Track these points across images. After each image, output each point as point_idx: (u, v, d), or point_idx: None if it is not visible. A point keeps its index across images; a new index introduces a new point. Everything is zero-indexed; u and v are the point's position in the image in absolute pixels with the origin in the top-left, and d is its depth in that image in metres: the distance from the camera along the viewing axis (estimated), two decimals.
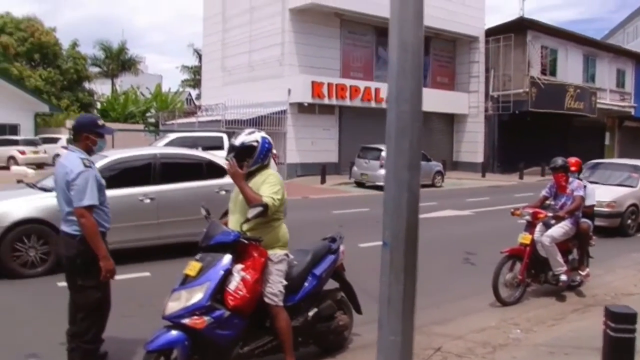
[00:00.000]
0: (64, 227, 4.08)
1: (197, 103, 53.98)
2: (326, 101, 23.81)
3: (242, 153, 4.12)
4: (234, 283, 3.83)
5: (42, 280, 7.03)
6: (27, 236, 7.14)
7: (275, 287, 4.04)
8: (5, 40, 36.32)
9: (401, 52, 2.99)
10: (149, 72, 63.66)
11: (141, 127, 38.60)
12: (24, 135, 29.33)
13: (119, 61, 50.15)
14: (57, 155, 29.19)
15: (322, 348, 4.73)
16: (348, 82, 24.63)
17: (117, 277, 7.06)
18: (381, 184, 19.72)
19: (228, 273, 3.85)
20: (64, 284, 6.68)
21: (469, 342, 5.11)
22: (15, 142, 27.19)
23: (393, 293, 3.08)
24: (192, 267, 3.89)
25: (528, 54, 28.67)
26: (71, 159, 4.03)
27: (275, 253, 4.10)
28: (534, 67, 28.92)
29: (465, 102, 29.76)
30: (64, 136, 30.90)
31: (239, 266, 3.89)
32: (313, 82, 23.27)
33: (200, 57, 53.36)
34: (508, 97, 28.64)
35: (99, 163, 7.84)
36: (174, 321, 3.73)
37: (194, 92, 58.15)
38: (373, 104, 25.28)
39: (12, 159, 26.30)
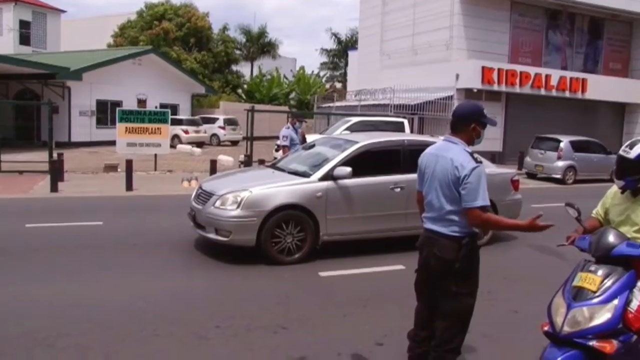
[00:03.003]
0: (437, 227, 3.66)
1: (329, 86, 54.36)
2: (495, 87, 22.76)
3: (635, 166, 3.57)
4: (636, 302, 3.34)
5: (300, 268, 6.87)
6: (286, 222, 6.95)
7: None
8: (166, 26, 38.31)
9: None
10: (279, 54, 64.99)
11: (286, 108, 39.57)
12: (182, 115, 30.75)
13: (258, 45, 51.63)
14: (214, 135, 30.52)
15: None
16: (518, 68, 23.41)
17: (371, 269, 6.97)
18: (558, 176, 18.94)
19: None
20: (327, 273, 6.70)
21: None
22: (179, 122, 28.52)
23: None
24: (591, 280, 3.39)
25: None
26: (457, 152, 3.59)
27: None
28: None
29: None
30: (221, 116, 32.19)
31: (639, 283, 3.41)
32: (483, 68, 22.33)
33: (338, 40, 53.98)
34: None
35: (351, 149, 7.66)
36: (577, 341, 3.28)
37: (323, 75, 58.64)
38: (543, 92, 23.92)
39: (176, 137, 27.63)
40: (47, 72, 23.32)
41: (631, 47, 28.24)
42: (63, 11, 40.99)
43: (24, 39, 38.44)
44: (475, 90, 22.46)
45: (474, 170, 3.48)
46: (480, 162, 3.57)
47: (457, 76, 22.38)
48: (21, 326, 4.74)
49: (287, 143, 10.65)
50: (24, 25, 38.45)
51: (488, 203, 3.51)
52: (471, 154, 3.58)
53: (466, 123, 3.68)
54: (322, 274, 6.69)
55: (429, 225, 3.75)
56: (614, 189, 3.90)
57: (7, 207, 10.47)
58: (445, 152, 3.67)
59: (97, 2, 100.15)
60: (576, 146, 19.66)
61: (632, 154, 3.59)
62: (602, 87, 25.59)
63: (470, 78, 22.30)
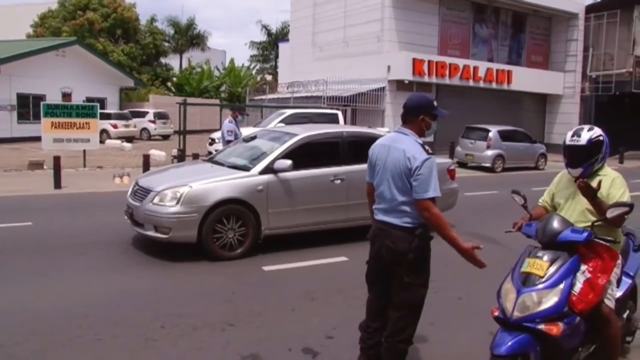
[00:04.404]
0: (389, 218, 3.67)
1: (259, 78, 54.04)
2: (426, 79, 23.25)
3: (588, 152, 3.73)
4: (579, 285, 3.52)
5: (243, 263, 6.78)
6: (227, 217, 6.85)
7: (613, 290, 3.72)
8: (90, 16, 36.75)
9: None
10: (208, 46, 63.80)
11: (218, 101, 38.94)
12: (110, 109, 29.68)
13: (187, 37, 50.51)
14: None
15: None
16: (448, 60, 24.05)
17: (314, 262, 6.98)
18: (487, 164, 19.58)
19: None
20: (270, 267, 6.67)
21: None
22: (107, 116, 27.39)
23: None
24: (538, 265, 3.53)
25: (634, 31, 27.14)
26: (409, 144, 3.59)
27: None
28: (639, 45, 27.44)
29: (560, 82, 28.59)
30: (151, 110, 31.30)
31: (583, 267, 3.58)
32: (414, 59, 22.76)
33: (268, 32, 53.62)
34: (608, 77, 27.37)
35: (291, 141, 7.61)
36: (526, 325, 3.41)
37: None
38: (471, 83, 24.68)
39: (105, 132, 26.57)
40: None
41: (551, 40, 29.61)
42: None
43: None
44: (406, 82, 22.87)
45: (426, 162, 3.50)
46: (431, 153, 3.60)
47: (389, 68, 22.75)
48: None
49: (232, 138, 10.48)
50: None
51: (439, 194, 3.53)
52: (422, 145, 3.60)
53: (415, 114, 3.70)
54: (266, 268, 6.63)
55: (380, 217, 3.74)
56: (560, 176, 4.05)
57: None
58: (397, 143, 3.67)
59: None
60: (504, 135, 20.41)
61: (583, 140, 3.73)
62: (525, 79, 26.71)
63: (402, 70, 22.69)
